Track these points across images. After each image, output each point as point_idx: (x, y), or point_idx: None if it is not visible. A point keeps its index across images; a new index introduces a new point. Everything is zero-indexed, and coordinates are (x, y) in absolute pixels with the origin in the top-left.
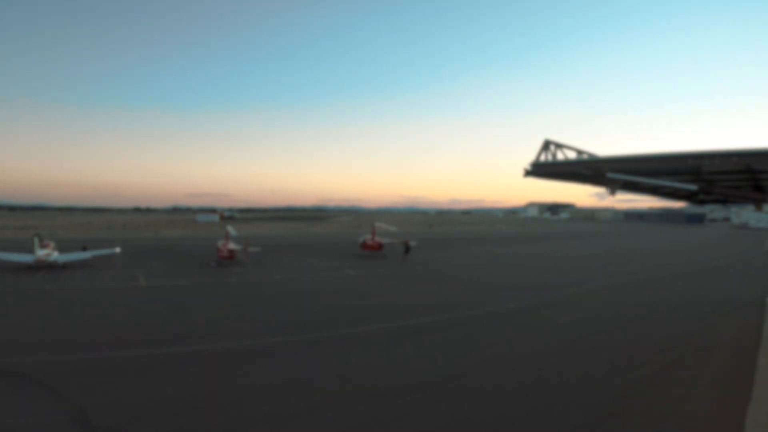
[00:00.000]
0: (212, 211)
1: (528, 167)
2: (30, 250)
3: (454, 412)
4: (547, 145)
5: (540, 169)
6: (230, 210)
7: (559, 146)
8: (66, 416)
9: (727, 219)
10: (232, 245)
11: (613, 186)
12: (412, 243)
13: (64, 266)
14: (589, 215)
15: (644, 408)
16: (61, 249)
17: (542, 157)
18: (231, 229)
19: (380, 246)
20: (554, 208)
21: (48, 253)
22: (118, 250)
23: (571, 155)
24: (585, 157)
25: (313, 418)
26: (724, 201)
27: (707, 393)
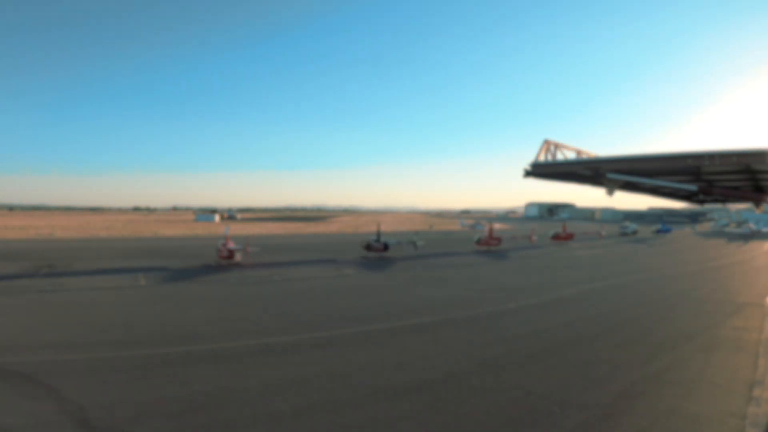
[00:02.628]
0: (212, 211)
1: (528, 167)
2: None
3: (455, 412)
4: (547, 146)
5: (540, 170)
6: (230, 210)
7: (559, 146)
8: (66, 416)
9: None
10: (232, 245)
11: (613, 186)
12: (419, 243)
13: None
14: (589, 215)
15: (645, 408)
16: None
17: (542, 157)
18: (227, 229)
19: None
20: (553, 208)
21: None
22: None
23: (571, 155)
24: (585, 157)
25: (313, 418)
26: (724, 201)
27: (708, 393)
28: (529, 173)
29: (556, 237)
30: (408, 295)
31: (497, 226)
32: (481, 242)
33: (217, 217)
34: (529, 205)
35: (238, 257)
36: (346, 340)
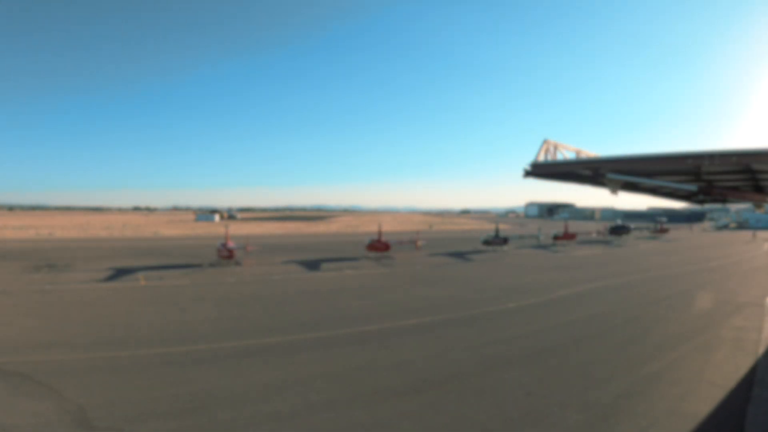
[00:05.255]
0: (212, 211)
1: (528, 167)
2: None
3: (455, 412)
4: (546, 146)
5: (539, 170)
6: (230, 210)
7: (558, 146)
8: (66, 416)
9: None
10: (232, 245)
11: (614, 186)
12: (421, 243)
13: None
14: (589, 215)
15: (645, 408)
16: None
17: (541, 157)
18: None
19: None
20: (553, 208)
21: None
22: None
23: (571, 155)
24: (584, 157)
25: (313, 418)
26: (724, 201)
27: (707, 392)
28: (528, 173)
29: (557, 237)
30: (408, 294)
31: (501, 226)
32: (488, 242)
33: (217, 217)
34: (529, 205)
35: (237, 257)
36: (346, 340)
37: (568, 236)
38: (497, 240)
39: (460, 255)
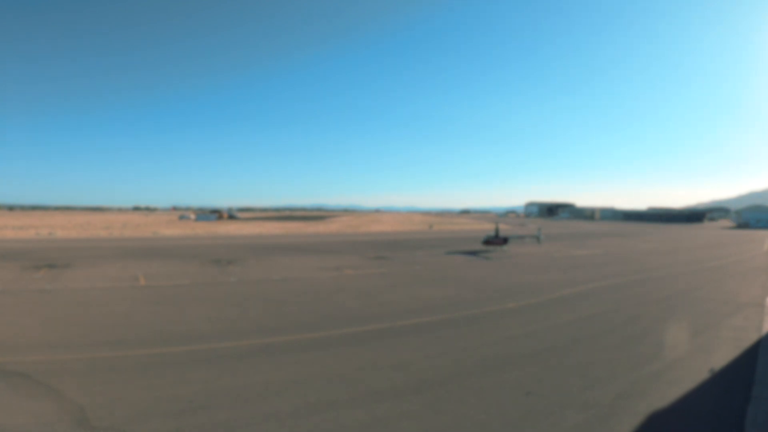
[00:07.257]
0: (213, 211)
1: None
2: None
3: (455, 412)
4: None
5: None
6: (230, 210)
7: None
8: (66, 416)
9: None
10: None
11: None
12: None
13: None
14: (589, 215)
15: (645, 408)
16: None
17: None
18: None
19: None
20: (553, 208)
21: None
22: None
23: None
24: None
25: (313, 418)
26: None
27: (707, 393)
28: None
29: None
30: (408, 294)
31: (501, 226)
32: (489, 242)
33: (215, 217)
34: (529, 205)
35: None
36: (346, 340)
37: None
38: (497, 240)
39: (460, 255)
